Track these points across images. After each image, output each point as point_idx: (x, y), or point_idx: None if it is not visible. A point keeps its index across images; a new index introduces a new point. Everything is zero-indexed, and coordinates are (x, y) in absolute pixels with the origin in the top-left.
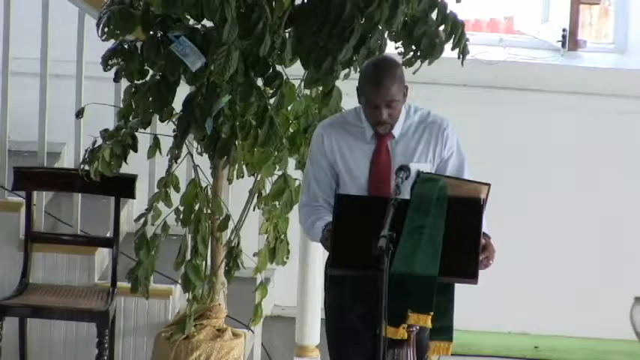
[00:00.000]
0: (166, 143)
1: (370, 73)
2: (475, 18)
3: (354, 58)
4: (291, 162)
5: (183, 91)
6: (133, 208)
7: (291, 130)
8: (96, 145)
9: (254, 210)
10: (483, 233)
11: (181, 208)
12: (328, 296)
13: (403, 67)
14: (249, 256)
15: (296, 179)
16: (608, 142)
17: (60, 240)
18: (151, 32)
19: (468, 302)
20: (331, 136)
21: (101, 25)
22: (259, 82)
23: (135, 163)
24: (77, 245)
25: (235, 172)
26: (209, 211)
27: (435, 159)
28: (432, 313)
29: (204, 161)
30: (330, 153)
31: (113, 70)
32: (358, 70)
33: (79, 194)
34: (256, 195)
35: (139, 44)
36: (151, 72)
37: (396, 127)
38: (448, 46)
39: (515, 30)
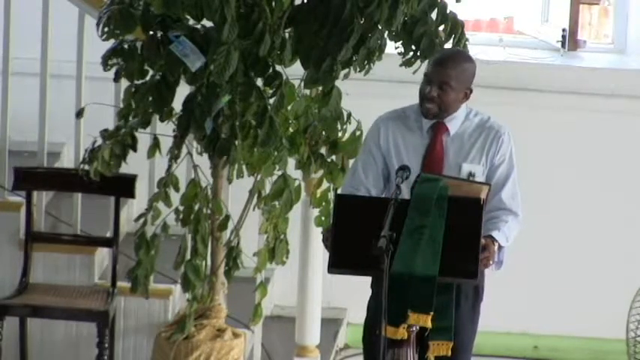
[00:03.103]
0: (166, 143)
1: (440, 53)
2: (475, 18)
3: (354, 58)
4: (291, 162)
5: (183, 91)
6: (133, 208)
7: (291, 130)
8: (96, 145)
9: (254, 210)
10: (492, 237)
11: (181, 208)
12: (370, 297)
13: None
14: (249, 256)
15: (296, 179)
16: (608, 142)
17: (60, 240)
18: (151, 32)
19: None
20: (388, 129)
21: (101, 25)
22: (259, 82)
23: (135, 163)
24: (77, 245)
25: (235, 172)
26: (209, 211)
27: (487, 163)
28: (432, 313)
29: (204, 161)
30: (384, 145)
31: (113, 70)
32: (358, 70)
33: (79, 194)
34: (256, 195)
35: (139, 44)
36: (151, 72)
37: (453, 124)
38: (448, 46)
39: (515, 30)
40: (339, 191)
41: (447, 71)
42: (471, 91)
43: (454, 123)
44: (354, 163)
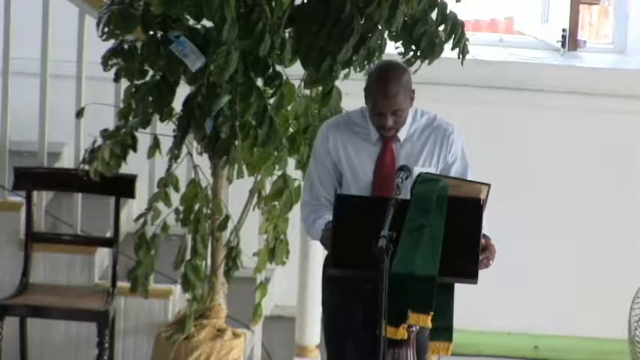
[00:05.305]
0: (166, 143)
1: (377, 80)
2: (475, 18)
3: (354, 58)
4: (291, 162)
5: (183, 91)
6: (133, 208)
7: (291, 130)
8: (96, 145)
9: (254, 210)
10: (483, 235)
11: (181, 208)
12: (326, 295)
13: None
14: (249, 256)
15: (296, 179)
16: (608, 142)
17: (60, 240)
18: (151, 32)
19: (468, 302)
20: (336, 136)
21: (101, 25)
22: (259, 82)
23: (135, 163)
24: (77, 245)
25: (235, 172)
26: (209, 211)
27: (440, 164)
28: (432, 313)
29: (204, 161)
30: (334, 152)
31: (113, 70)
32: (358, 70)
33: (79, 194)
34: (256, 195)
35: (139, 44)
36: (151, 72)
37: (402, 131)
38: (448, 46)
39: (515, 30)
40: (303, 202)
41: (396, 99)
42: (414, 92)
43: (403, 130)
44: (308, 175)
